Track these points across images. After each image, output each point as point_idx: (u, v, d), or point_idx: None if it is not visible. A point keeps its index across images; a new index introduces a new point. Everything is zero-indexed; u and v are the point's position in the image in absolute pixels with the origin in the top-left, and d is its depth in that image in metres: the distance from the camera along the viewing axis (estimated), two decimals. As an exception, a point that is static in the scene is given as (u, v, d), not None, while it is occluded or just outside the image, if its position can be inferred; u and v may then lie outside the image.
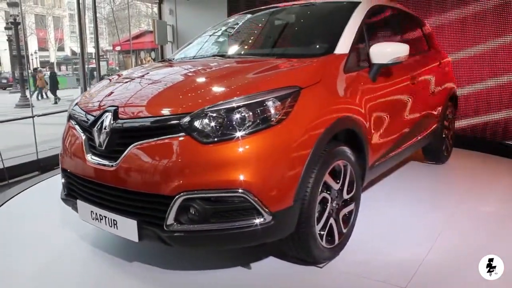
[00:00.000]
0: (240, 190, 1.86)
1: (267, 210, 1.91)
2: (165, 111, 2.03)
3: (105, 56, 34.50)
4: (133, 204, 2.03)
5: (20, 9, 14.32)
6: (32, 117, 7.02)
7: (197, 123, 1.91)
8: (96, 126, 2.18)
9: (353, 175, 2.48)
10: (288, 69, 2.42)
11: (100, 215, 2.13)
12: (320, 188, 2.18)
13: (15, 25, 17.44)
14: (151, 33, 15.65)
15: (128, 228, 2.00)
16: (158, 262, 2.40)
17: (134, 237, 1.99)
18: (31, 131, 6.76)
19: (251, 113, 1.94)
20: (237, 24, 3.73)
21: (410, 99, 3.34)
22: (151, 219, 1.97)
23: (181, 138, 1.91)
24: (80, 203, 2.27)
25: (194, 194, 1.87)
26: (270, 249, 2.48)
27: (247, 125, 1.92)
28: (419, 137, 3.65)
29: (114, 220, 2.06)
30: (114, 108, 2.16)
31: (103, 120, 2.16)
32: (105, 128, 2.12)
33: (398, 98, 3.13)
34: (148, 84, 2.47)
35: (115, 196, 2.08)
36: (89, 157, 2.18)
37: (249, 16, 3.78)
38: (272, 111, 1.99)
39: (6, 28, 24.17)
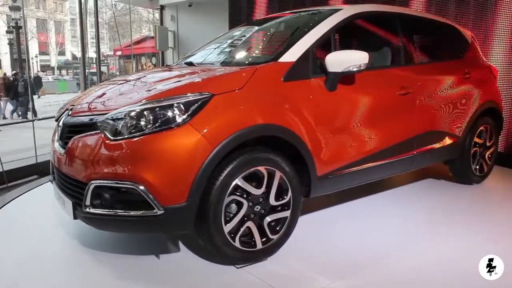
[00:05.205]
0: (132, 183, 2.12)
1: (157, 204, 2.11)
2: (91, 112, 2.45)
3: (105, 61, 34.56)
4: (70, 187, 2.39)
5: (22, 13, 14.40)
6: (32, 120, 7.04)
7: (108, 123, 2.23)
8: (58, 121, 2.67)
9: (286, 182, 2.46)
10: (209, 76, 2.51)
11: (58, 195, 2.53)
12: (229, 191, 2.25)
13: (16, 29, 17.52)
14: (152, 38, 15.73)
15: (68, 207, 2.36)
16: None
17: (71, 216, 2.33)
18: (31, 134, 6.78)
19: (153, 116, 2.16)
20: (229, 35, 3.78)
21: (394, 110, 3.17)
22: (78, 201, 2.30)
23: (96, 135, 2.25)
24: (53, 184, 2.69)
25: (100, 182, 2.18)
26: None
27: (149, 126, 2.15)
28: (415, 152, 3.37)
29: (64, 200, 2.43)
30: (71, 107, 2.61)
31: (63, 117, 2.61)
32: (62, 123, 2.58)
33: (369, 109, 2.95)
34: (102, 90, 2.79)
35: (63, 180, 2.47)
36: (55, 146, 2.61)
37: (244, 28, 3.85)
38: (175, 115, 2.16)
39: (7, 32, 24.28)
